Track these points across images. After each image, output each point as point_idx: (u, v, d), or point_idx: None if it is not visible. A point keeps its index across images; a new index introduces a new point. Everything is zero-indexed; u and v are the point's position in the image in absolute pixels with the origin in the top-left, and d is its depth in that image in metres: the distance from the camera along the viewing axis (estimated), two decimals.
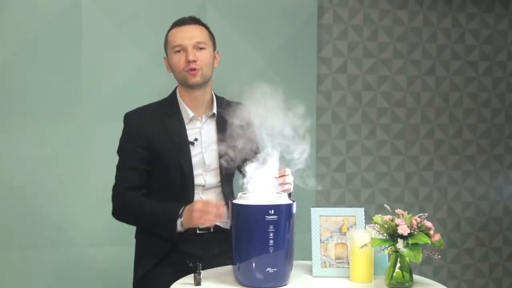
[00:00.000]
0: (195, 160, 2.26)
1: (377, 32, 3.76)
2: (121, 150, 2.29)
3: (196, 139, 2.27)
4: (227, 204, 2.28)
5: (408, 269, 1.91)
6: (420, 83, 3.86)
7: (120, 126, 2.33)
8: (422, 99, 3.87)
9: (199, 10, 3.19)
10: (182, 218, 2.12)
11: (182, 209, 2.13)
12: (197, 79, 2.24)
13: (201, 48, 2.25)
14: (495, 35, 3.98)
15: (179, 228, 2.13)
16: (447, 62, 3.90)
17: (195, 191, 2.27)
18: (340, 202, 3.70)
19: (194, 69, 2.22)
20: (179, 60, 2.24)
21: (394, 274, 1.91)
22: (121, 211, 2.25)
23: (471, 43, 3.93)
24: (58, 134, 3.06)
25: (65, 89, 3.06)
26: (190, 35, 2.25)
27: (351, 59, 3.71)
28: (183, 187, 2.25)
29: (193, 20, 2.30)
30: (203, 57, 2.24)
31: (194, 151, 2.26)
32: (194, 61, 2.22)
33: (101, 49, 3.11)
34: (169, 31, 2.31)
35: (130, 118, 2.30)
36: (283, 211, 1.90)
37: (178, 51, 2.25)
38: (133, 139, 2.25)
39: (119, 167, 2.28)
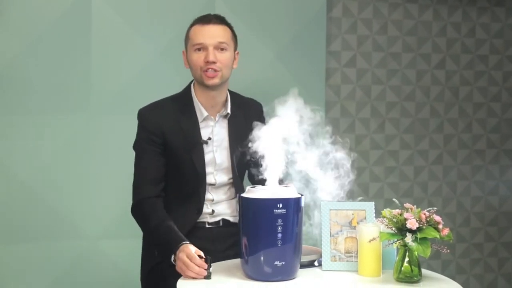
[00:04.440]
0: (206, 158, 2.25)
1: (386, 26, 3.74)
2: (138, 145, 2.27)
3: (209, 138, 2.25)
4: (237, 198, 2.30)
5: (417, 264, 1.91)
6: (429, 77, 3.84)
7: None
8: (432, 93, 3.85)
9: (208, 5, 3.19)
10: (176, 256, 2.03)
11: (179, 247, 2.02)
12: (215, 81, 2.21)
13: (222, 49, 2.21)
14: (506, 29, 3.95)
15: (172, 262, 2.05)
16: (457, 56, 3.88)
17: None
18: (348, 196, 3.69)
19: (213, 71, 2.19)
20: (198, 58, 2.20)
21: (402, 269, 1.91)
22: (135, 216, 2.24)
23: (481, 37, 3.91)
24: (67, 129, 3.07)
25: (74, 84, 3.07)
26: (213, 34, 2.19)
27: (360, 53, 3.70)
28: (195, 185, 2.24)
29: (218, 19, 2.23)
30: (223, 59, 2.21)
31: (205, 150, 2.25)
32: (214, 62, 2.19)
33: (110, 44, 3.11)
34: (191, 26, 2.25)
35: (144, 115, 2.27)
36: (291, 204, 1.90)
37: (199, 49, 2.20)
38: (149, 135, 2.23)
39: (136, 162, 2.26)
